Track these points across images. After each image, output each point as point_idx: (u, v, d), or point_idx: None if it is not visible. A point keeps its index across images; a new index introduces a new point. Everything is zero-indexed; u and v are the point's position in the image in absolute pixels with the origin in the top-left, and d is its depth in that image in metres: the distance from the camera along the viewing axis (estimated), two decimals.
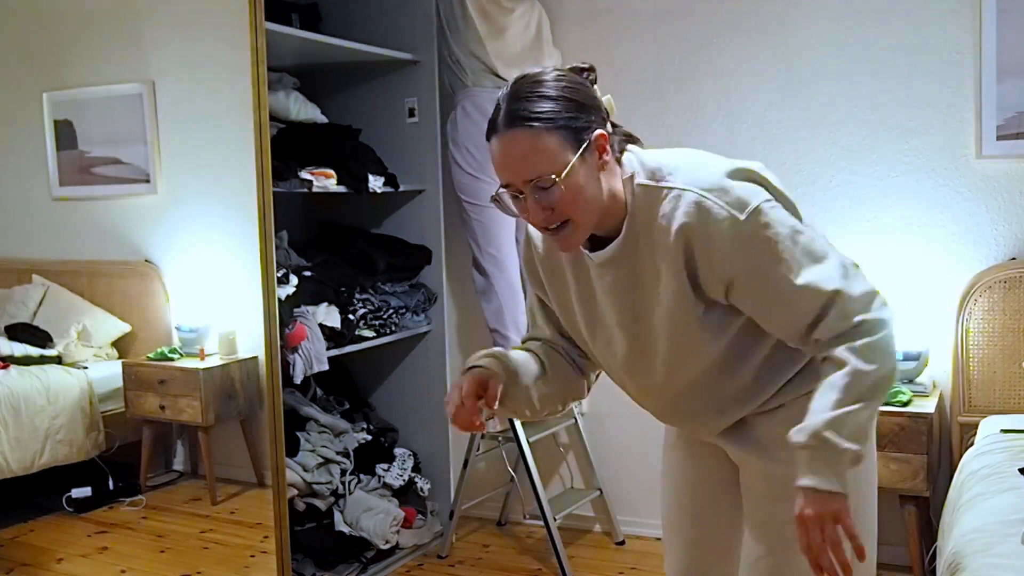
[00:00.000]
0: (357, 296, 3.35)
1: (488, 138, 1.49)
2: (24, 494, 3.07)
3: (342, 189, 3.24)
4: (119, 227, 3.07)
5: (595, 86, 1.54)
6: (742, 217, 1.45)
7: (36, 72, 3.01)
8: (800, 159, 3.28)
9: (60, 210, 3.11)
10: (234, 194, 2.91)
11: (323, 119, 3.40)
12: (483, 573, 3.37)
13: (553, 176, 1.42)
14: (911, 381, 3.02)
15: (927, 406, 2.88)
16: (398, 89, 3.59)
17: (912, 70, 3.10)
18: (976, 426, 2.83)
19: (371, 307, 3.38)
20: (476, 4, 3.31)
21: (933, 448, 2.85)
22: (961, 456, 2.71)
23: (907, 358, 3.01)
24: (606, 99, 1.55)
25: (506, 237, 3.41)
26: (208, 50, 2.99)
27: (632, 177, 1.52)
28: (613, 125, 1.55)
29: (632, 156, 1.56)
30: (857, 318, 1.48)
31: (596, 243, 1.57)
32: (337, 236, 3.58)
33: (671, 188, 1.49)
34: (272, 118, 3.10)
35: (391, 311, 3.45)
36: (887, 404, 2.88)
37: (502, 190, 1.49)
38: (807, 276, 1.47)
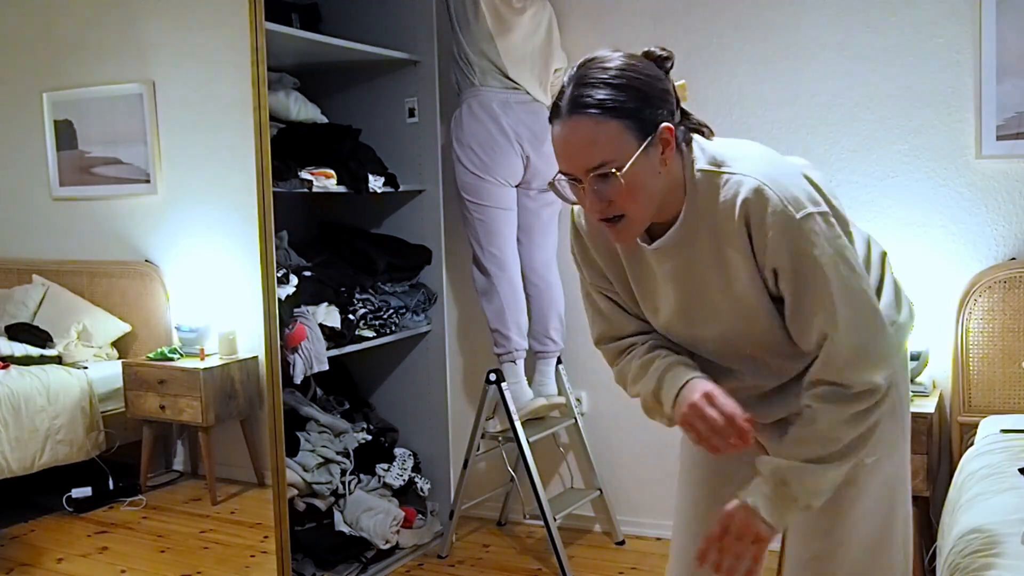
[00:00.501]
0: (357, 296, 3.35)
1: (551, 121, 1.45)
2: (24, 494, 3.07)
3: (342, 189, 3.24)
4: (119, 227, 3.07)
5: (669, 75, 1.50)
6: (797, 215, 1.43)
7: (36, 72, 3.01)
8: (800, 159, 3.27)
9: (60, 210, 3.11)
10: (234, 194, 2.91)
11: (323, 119, 3.40)
12: (483, 573, 3.37)
13: (614, 169, 1.39)
14: (911, 381, 3.02)
15: (927, 406, 2.88)
16: (398, 89, 3.59)
17: (912, 70, 3.10)
18: (976, 426, 2.83)
19: (371, 307, 3.38)
20: (488, 2, 3.29)
21: (933, 448, 2.85)
22: (961, 456, 2.71)
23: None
24: (679, 84, 1.53)
25: (508, 237, 3.40)
26: (208, 50, 2.99)
27: (692, 162, 1.49)
28: (684, 114, 1.53)
29: (695, 144, 1.53)
30: (860, 383, 1.47)
31: (652, 229, 1.56)
32: (337, 236, 3.58)
33: (732, 173, 1.47)
34: (272, 118, 3.10)
35: (391, 311, 3.45)
36: None
37: (560, 176, 1.45)
38: (836, 312, 1.46)
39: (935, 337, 3.07)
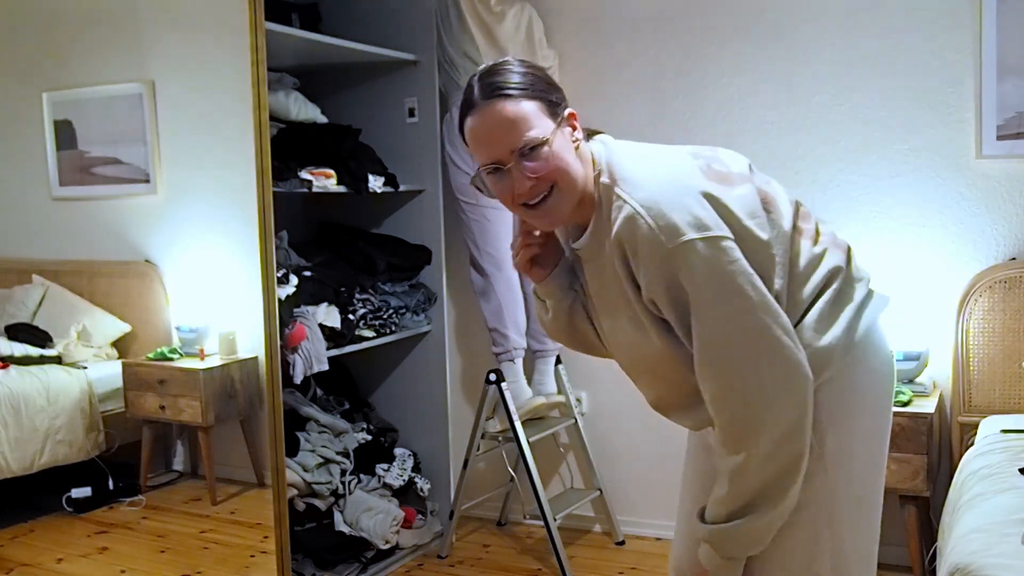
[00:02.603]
0: (357, 296, 3.35)
1: (464, 118, 1.49)
2: (24, 494, 3.07)
3: (342, 189, 3.24)
4: (119, 227, 3.07)
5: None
6: (669, 245, 1.40)
7: (36, 72, 3.01)
8: (800, 159, 3.28)
9: (60, 210, 3.11)
10: (234, 194, 2.91)
11: (323, 119, 3.40)
12: (483, 573, 3.37)
13: (541, 137, 1.44)
14: (911, 381, 3.02)
15: (927, 406, 2.88)
16: (398, 89, 3.59)
17: (912, 70, 3.10)
18: (976, 426, 2.83)
19: (371, 307, 3.38)
20: (470, 6, 3.35)
21: (933, 448, 2.85)
22: (961, 456, 2.71)
23: (907, 358, 3.01)
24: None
25: (504, 236, 3.41)
26: (208, 50, 2.99)
27: (599, 175, 1.52)
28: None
29: (602, 149, 1.55)
30: (738, 452, 1.45)
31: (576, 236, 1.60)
32: (337, 236, 3.58)
33: (619, 196, 1.47)
34: (272, 118, 3.10)
35: (391, 311, 3.45)
36: None
37: (482, 171, 1.49)
38: (709, 359, 1.43)
39: (935, 337, 3.07)
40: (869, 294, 1.61)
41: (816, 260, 1.55)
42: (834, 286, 1.55)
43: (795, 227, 1.55)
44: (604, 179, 1.50)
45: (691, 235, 1.40)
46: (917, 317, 3.11)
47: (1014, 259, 3.01)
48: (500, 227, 3.40)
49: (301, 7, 3.49)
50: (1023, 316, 2.92)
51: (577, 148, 1.51)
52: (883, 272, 3.17)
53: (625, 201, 1.45)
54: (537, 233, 1.63)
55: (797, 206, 1.59)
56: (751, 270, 1.43)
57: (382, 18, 3.56)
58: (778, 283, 1.48)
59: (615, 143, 1.57)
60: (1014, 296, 2.93)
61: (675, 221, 1.41)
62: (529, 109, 1.44)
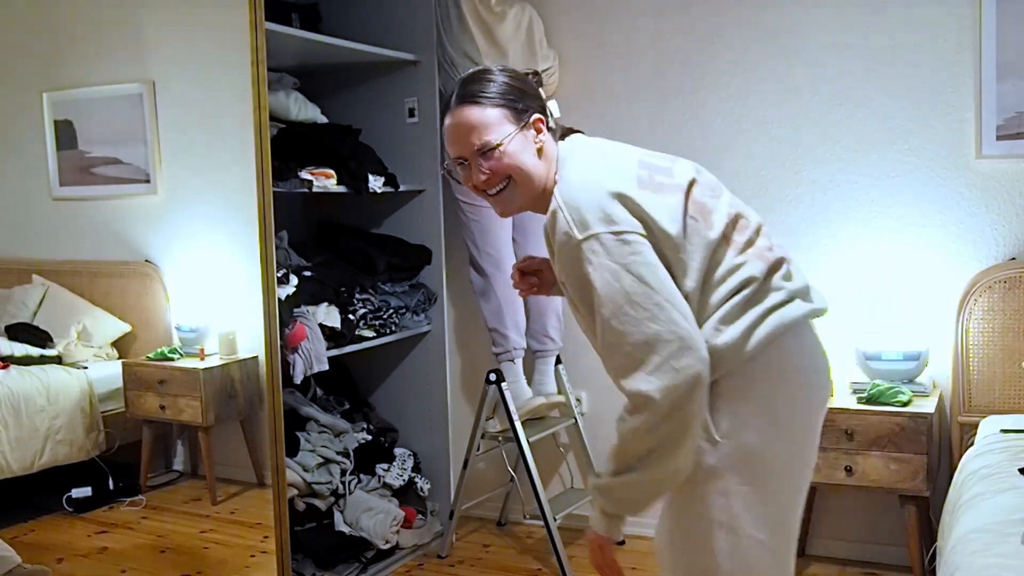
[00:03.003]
0: (357, 296, 3.35)
1: (442, 117, 1.72)
2: (24, 494, 3.07)
3: (342, 189, 3.24)
4: (119, 227, 3.07)
5: (541, 88, 1.79)
6: (578, 236, 1.57)
7: (36, 72, 3.01)
8: (800, 159, 3.28)
9: (60, 210, 3.11)
10: (234, 194, 2.91)
11: (323, 119, 3.40)
12: (483, 573, 3.37)
13: (495, 141, 1.65)
14: (911, 381, 3.02)
15: (927, 406, 2.88)
16: (398, 89, 3.59)
17: (912, 70, 3.10)
18: (976, 426, 2.83)
19: (371, 307, 3.38)
20: (470, 6, 3.34)
21: (933, 448, 2.85)
22: (961, 456, 2.72)
23: (907, 358, 3.02)
24: (551, 103, 1.76)
25: (504, 237, 3.41)
26: (208, 50, 2.99)
27: (556, 173, 1.71)
28: (552, 125, 1.76)
29: (566, 149, 1.73)
30: (629, 393, 1.56)
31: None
32: (337, 236, 3.59)
33: (555, 193, 1.65)
34: (272, 118, 3.10)
35: (391, 311, 3.45)
36: (888, 404, 2.89)
37: (448, 162, 1.73)
38: (607, 339, 1.57)
39: (935, 337, 3.07)
40: (784, 302, 1.65)
41: (733, 269, 1.63)
42: (744, 292, 1.61)
43: (724, 237, 1.64)
44: (556, 177, 1.70)
45: (599, 229, 1.56)
46: (917, 317, 3.11)
47: (1014, 259, 3.01)
48: (499, 228, 3.40)
49: (301, 7, 3.49)
50: (1023, 316, 2.92)
51: (541, 149, 1.70)
52: (883, 272, 3.17)
53: (556, 198, 1.63)
54: (529, 271, 1.96)
55: (736, 219, 1.67)
56: (657, 263, 1.56)
57: (382, 18, 3.56)
58: (690, 284, 1.59)
59: (579, 144, 1.74)
60: (1014, 296, 2.93)
61: (587, 217, 1.57)
62: (492, 116, 1.66)
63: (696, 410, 1.54)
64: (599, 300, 1.55)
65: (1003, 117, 2.98)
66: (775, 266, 1.69)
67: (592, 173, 1.65)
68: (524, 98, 1.70)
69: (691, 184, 1.67)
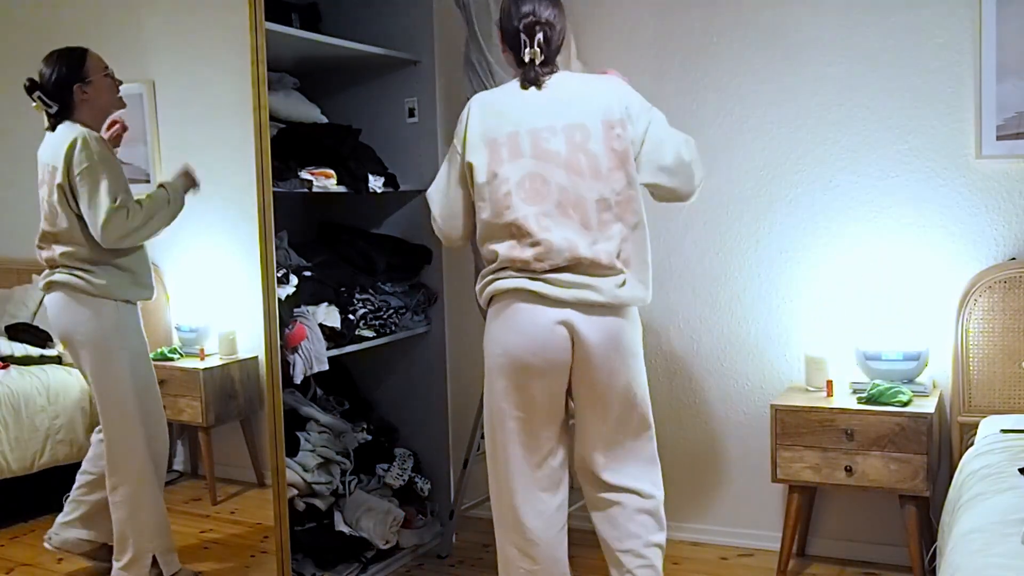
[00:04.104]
0: (357, 296, 3.35)
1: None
2: (24, 494, 3.07)
3: (342, 189, 3.24)
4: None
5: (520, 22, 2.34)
6: None
7: (36, 72, 3.01)
8: (800, 159, 3.28)
9: None
10: (234, 194, 2.91)
11: (323, 119, 3.40)
12: (483, 573, 3.37)
13: None
14: (911, 381, 3.02)
15: (927, 406, 2.88)
16: (398, 89, 3.59)
17: (912, 70, 3.10)
18: (976, 426, 2.83)
19: (371, 307, 3.38)
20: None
21: (933, 448, 2.85)
22: (961, 456, 2.71)
23: (907, 358, 3.02)
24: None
25: None
26: (208, 50, 2.99)
27: None
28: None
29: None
30: None
31: None
32: (337, 236, 3.58)
33: None
34: (272, 118, 3.10)
35: (391, 311, 3.45)
36: (888, 404, 2.89)
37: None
38: None
39: (935, 337, 3.07)
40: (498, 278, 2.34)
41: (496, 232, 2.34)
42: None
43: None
44: None
45: None
46: (917, 317, 3.11)
47: (1014, 259, 3.01)
48: None
49: (301, 7, 3.49)
50: (1023, 316, 2.92)
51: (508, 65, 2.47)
52: (883, 272, 3.17)
53: None
54: None
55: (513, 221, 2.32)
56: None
57: (382, 18, 3.56)
58: (484, 214, 2.34)
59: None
60: (1014, 296, 2.93)
61: None
62: None
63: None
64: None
65: (1003, 117, 2.98)
66: (509, 260, 2.39)
67: None
68: (500, 23, 2.39)
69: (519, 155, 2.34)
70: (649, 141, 2.34)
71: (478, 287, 2.38)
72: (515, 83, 2.38)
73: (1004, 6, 2.93)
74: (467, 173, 2.36)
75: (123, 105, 2.89)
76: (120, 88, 2.86)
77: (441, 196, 2.45)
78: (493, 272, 2.33)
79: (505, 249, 2.29)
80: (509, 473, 2.41)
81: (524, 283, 2.26)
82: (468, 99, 3.35)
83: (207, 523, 3.16)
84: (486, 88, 3.27)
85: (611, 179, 2.29)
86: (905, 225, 3.16)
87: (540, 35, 2.31)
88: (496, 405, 2.37)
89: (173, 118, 3.00)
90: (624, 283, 2.29)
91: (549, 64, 2.36)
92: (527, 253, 2.26)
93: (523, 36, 2.32)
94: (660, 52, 3.45)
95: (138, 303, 2.84)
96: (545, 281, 2.26)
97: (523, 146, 2.29)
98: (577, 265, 2.25)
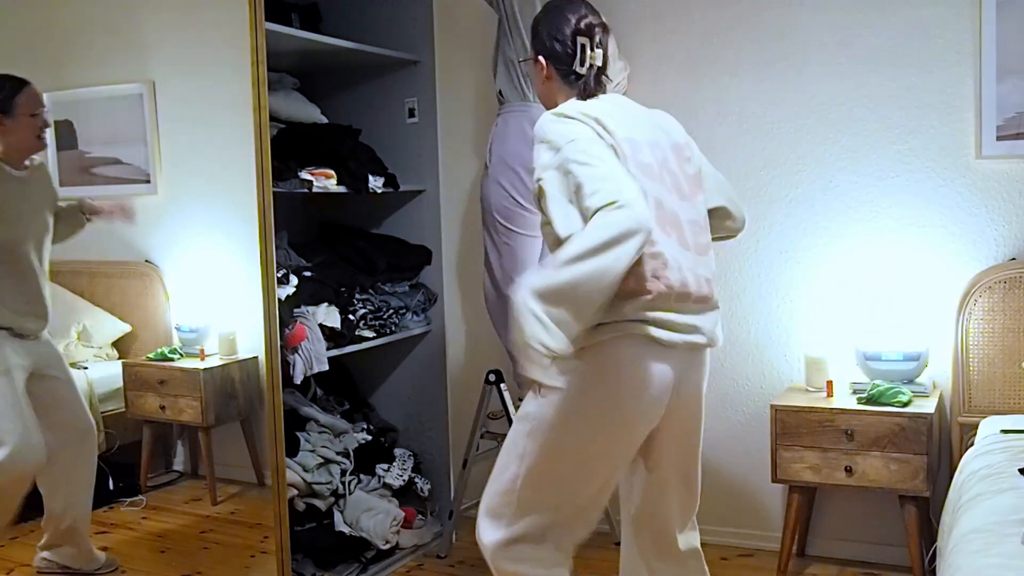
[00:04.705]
0: (357, 296, 3.35)
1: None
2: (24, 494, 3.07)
3: (342, 189, 3.24)
4: (119, 227, 3.07)
5: (577, 38, 2.11)
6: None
7: (36, 72, 3.01)
8: (800, 159, 3.28)
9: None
10: (234, 194, 2.91)
11: (323, 119, 3.40)
12: (483, 573, 3.36)
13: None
14: (911, 381, 3.02)
15: (927, 406, 2.88)
16: (398, 89, 3.59)
17: (912, 70, 3.10)
18: (976, 426, 2.83)
19: (371, 307, 3.38)
20: None
21: (933, 448, 2.85)
22: (961, 456, 2.71)
23: (907, 359, 3.02)
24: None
25: (531, 263, 3.16)
26: (208, 50, 2.99)
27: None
28: (592, 80, 2.13)
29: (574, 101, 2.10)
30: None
31: None
32: (337, 236, 3.59)
33: None
34: (272, 118, 3.10)
35: (391, 311, 3.45)
36: (888, 404, 2.89)
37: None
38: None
39: (935, 337, 3.07)
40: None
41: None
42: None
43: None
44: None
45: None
46: (917, 317, 3.11)
47: (1014, 259, 3.01)
48: (530, 255, 3.19)
49: (301, 7, 3.49)
50: (1023, 316, 2.92)
51: (543, 81, 2.17)
52: (883, 272, 3.17)
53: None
54: None
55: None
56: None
57: (382, 18, 3.56)
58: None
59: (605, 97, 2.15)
60: (1014, 296, 2.93)
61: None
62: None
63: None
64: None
65: (1003, 117, 2.98)
66: None
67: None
68: (536, 35, 2.16)
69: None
70: (705, 168, 2.20)
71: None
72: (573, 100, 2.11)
73: (1004, 6, 2.93)
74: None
75: (43, 147, 2.83)
76: (46, 132, 2.80)
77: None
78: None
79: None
80: (603, 468, 2.13)
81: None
82: (499, 99, 3.20)
83: (207, 523, 3.16)
84: (522, 95, 3.12)
85: (695, 202, 2.09)
86: (905, 225, 3.15)
87: (599, 38, 2.12)
88: (625, 417, 2.04)
89: (173, 118, 3.00)
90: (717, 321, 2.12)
91: (605, 72, 2.16)
92: None
93: (581, 41, 2.09)
94: (660, 52, 3.45)
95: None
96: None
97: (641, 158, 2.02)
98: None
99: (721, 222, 2.21)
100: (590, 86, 2.11)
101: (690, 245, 2.00)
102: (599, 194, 1.80)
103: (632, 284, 1.89)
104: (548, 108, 2.10)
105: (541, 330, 1.77)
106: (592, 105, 2.04)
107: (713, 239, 2.14)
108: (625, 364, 1.97)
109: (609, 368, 1.97)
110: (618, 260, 1.77)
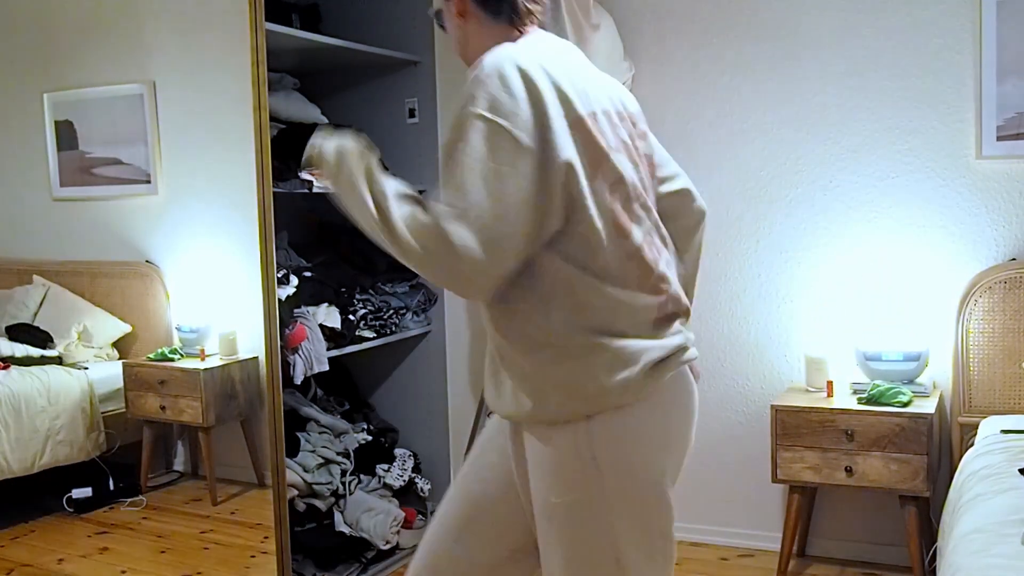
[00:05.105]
0: (357, 296, 3.35)
1: None
2: (25, 494, 3.07)
3: None
4: (120, 228, 3.07)
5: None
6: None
7: (37, 73, 3.01)
8: (800, 159, 3.28)
9: (61, 210, 3.11)
10: (234, 194, 2.91)
11: (323, 119, 3.40)
12: None
13: (436, 8, 1.86)
14: (911, 382, 3.02)
15: (927, 407, 2.88)
16: (398, 89, 3.59)
17: (912, 70, 3.10)
18: (976, 427, 2.83)
19: (371, 307, 3.38)
20: (570, 8, 3.17)
21: (933, 449, 2.85)
22: (961, 456, 2.72)
23: (907, 359, 3.01)
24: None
25: None
26: (209, 51, 2.99)
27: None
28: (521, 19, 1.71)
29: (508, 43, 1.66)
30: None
31: None
32: (337, 236, 3.58)
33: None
34: (272, 118, 3.10)
35: (391, 312, 3.45)
36: (888, 405, 2.89)
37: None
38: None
39: (935, 338, 3.07)
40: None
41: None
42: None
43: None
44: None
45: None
46: (917, 317, 3.11)
47: (1014, 259, 3.01)
48: None
49: (301, 7, 3.49)
50: (1023, 316, 2.92)
51: (461, 25, 1.77)
52: (883, 272, 3.17)
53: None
54: None
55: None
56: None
57: (382, 18, 3.56)
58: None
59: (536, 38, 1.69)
60: (1014, 296, 2.93)
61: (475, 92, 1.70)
62: None
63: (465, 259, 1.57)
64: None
65: (1003, 117, 2.98)
66: None
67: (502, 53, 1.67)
68: None
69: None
70: (656, 145, 1.78)
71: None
72: (538, 37, 1.68)
73: (1004, 6, 2.93)
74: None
75: None
76: None
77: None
78: None
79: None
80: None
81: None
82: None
83: (207, 523, 3.16)
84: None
85: (656, 188, 1.73)
86: (905, 225, 3.15)
87: None
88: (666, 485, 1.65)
89: (173, 118, 3.00)
90: None
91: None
92: None
93: None
94: (659, 53, 3.45)
95: None
96: None
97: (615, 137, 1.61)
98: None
99: (687, 207, 1.79)
100: (520, 13, 1.67)
101: (668, 243, 1.68)
102: (473, 212, 1.53)
103: (644, 280, 1.57)
104: (470, 63, 1.66)
105: (356, 172, 1.68)
106: (550, 59, 1.57)
107: (679, 230, 1.77)
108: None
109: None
110: (413, 254, 1.54)
